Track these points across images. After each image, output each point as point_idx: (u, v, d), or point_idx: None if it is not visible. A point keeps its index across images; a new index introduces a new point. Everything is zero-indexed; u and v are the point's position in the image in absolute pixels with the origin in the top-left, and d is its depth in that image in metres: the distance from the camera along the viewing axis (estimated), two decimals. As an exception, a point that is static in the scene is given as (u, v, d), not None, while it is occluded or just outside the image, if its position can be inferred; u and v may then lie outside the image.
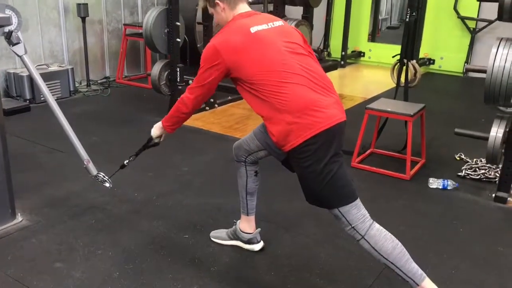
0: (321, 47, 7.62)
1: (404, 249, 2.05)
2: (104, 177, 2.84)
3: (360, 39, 8.04)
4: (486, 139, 3.20)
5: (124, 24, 6.36)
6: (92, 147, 3.64)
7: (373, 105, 3.79)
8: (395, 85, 4.22)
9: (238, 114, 5.09)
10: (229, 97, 5.43)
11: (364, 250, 2.09)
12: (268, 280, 2.41)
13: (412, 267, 2.04)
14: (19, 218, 2.85)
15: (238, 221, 2.64)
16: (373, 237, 2.04)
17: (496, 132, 3.17)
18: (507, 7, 2.86)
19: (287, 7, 4.99)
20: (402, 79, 4.16)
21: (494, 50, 2.95)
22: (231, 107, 5.37)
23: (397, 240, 2.07)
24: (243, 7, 2.21)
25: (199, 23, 5.31)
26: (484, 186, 3.50)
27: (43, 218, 2.90)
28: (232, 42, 2.08)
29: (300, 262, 2.55)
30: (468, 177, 3.62)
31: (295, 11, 5.90)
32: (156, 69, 4.88)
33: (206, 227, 2.81)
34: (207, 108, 5.17)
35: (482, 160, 3.71)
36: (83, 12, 5.66)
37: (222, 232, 2.71)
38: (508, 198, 3.24)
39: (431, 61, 7.39)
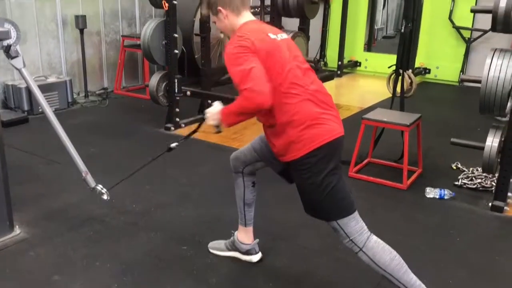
0: (318, 57, 7.67)
1: (402, 260, 2.07)
2: (102, 189, 2.85)
3: (356, 49, 8.09)
4: (482, 148, 3.23)
5: (122, 36, 6.40)
6: (90, 158, 3.65)
7: (369, 115, 3.82)
8: (391, 95, 4.26)
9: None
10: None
11: (362, 262, 2.10)
12: (266, 291, 2.42)
13: (410, 278, 2.05)
14: (17, 230, 2.86)
15: (236, 232, 2.65)
16: (371, 249, 2.06)
17: (492, 141, 3.19)
18: (500, 19, 2.89)
19: (283, 18, 5.04)
20: (398, 89, 4.19)
21: (488, 61, 2.99)
22: (228, 118, 5.38)
23: (394, 252, 2.08)
24: (248, 15, 2.21)
25: (196, 35, 5.34)
26: (480, 195, 3.52)
27: (41, 230, 2.91)
28: (255, 36, 2.04)
29: (298, 273, 2.56)
30: (464, 186, 3.64)
31: (291, 22, 5.94)
32: (154, 80, 4.91)
33: (204, 239, 2.81)
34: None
35: (479, 169, 3.73)
36: (81, 24, 5.69)
37: (221, 243, 2.72)
38: (505, 207, 3.26)
39: (426, 71, 7.44)
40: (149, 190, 3.51)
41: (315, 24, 6.94)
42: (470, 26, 7.00)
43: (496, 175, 3.36)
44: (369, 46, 8.56)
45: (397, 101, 4.16)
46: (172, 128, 4.84)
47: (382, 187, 3.64)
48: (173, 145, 2.50)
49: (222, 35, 5.94)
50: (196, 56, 5.98)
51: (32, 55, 5.51)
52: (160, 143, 2.98)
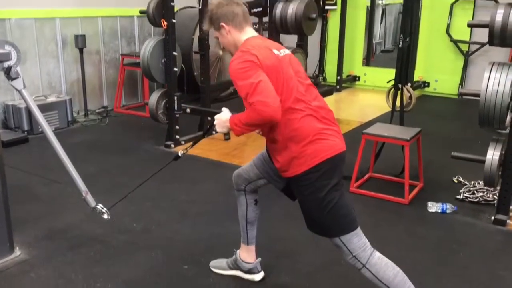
0: (316, 72, 7.70)
1: (405, 276, 2.05)
2: (103, 208, 2.84)
3: (354, 63, 8.13)
4: (483, 162, 3.22)
5: (122, 54, 6.43)
6: (91, 177, 3.64)
7: (369, 130, 3.82)
8: (390, 109, 4.27)
9: (235, 141, 5.10)
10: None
11: (366, 278, 2.08)
12: (269, 310, 2.39)
13: (413, 294, 2.03)
14: (17, 252, 2.84)
15: (238, 250, 2.63)
16: (375, 265, 2.04)
17: (492, 154, 3.19)
18: (497, 33, 2.91)
19: (282, 35, 5.07)
20: (398, 103, 4.20)
21: (486, 75, 3.00)
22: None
23: (398, 268, 2.07)
24: (251, 31, 2.23)
25: (195, 52, 5.37)
26: (483, 209, 3.50)
27: (42, 251, 2.89)
28: (260, 52, 2.05)
29: (301, 290, 2.54)
30: (466, 200, 3.63)
31: (290, 39, 5.98)
32: (153, 98, 4.92)
33: (205, 257, 2.79)
34: (205, 135, 5.18)
35: (480, 182, 3.72)
36: (80, 43, 5.73)
37: (222, 262, 2.70)
38: (508, 221, 3.24)
39: (426, 84, 7.46)
40: (149, 208, 3.49)
41: (314, 39, 6.99)
42: (467, 39, 7.04)
43: (498, 188, 3.34)
44: (368, 60, 8.59)
45: (397, 116, 4.16)
46: (172, 146, 4.85)
47: (384, 202, 3.62)
48: (181, 153, 2.47)
49: (221, 52, 5.97)
50: (195, 73, 6.00)
51: (32, 75, 5.53)
52: (161, 161, 2.97)
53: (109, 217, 2.83)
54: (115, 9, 6.32)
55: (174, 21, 4.63)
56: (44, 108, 5.14)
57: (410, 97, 4.33)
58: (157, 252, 2.89)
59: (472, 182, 3.84)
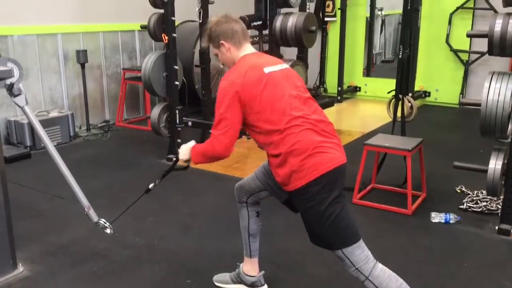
0: (317, 83, 7.73)
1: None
2: (105, 223, 2.83)
3: (355, 74, 8.15)
4: (485, 171, 3.21)
5: (123, 69, 6.46)
6: (93, 191, 3.63)
7: (371, 141, 3.82)
8: (392, 119, 4.27)
9: (237, 153, 5.11)
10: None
11: (370, 291, 2.07)
12: (273, 324, 2.38)
13: (418, 306, 2.02)
14: (20, 268, 2.83)
15: (241, 264, 2.62)
16: (378, 277, 2.03)
17: (495, 164, 3.18)
18: (496, 42, 2.92)
19: (282, 47, 5.10)
20: (399, 113, 4.20)
21: (487, 84, 3.00)
22: (230, 147, 5.39)
23: (401, 279, 2.06)
24: (249, 47, 2.26)
25: (196, 66, 5.40)
26: (486, 219, 3.49)
27: (45, 267, 2.88)
28: (248, 77, 2.09)
29: (305, 304, 2.52)
30: (470, 209, 3.61)
31: (290, 51, 6.01)
32: (155, 112, 4.94)
33: (208, 271, 2.78)
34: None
35: (483, 192, 3.71)
36: (82, 58, 5.77)
37: (226, 275, 2.69)
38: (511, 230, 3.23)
39: (426, 94, 7.47)
40: (151, 222, 3.49)
41: (314, 51, 7.02)
42: (467, 49, 7.06)
43: (501, 198, 3.33)
44: (368, 71, 8.62)
45: (398, 126, 4.17)
46: (174, 159, 4.83)
47: (387, 213, 3.61)
48: (151, 186, 2.55)
49: (222, 65, 6.00)
50: (196, 87, 6.03)
51: (34, 90, 5.56)
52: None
53: (112, 232, 2.82)
54: (116, 24, 6.36)
55: (175, 35, 4.67)
56: (46, 123, 5.16)
57: (411, 107, 4.34)
58: (160, 266, 2.88)
59: (475, 192, 3.83)
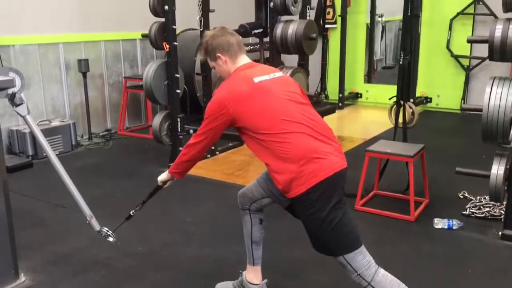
0: (318, 90, 7.73)
1: (412, 294, 2.03)
2: (108, 231, 2.82)
3: (356, 80, 8.16)
4: (488, 177, 3.20)
5: (125, 77, 6.48)
6: (95, 200, 3.62)
7: (373, 147, 3.82)
8: (393, 126, 4.27)
9: (239, 161, 5.11)
10: (230, 144, 5.47)
11: (372, 297, 2.06)
12: (277, 333, 2.36)
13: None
14: (22, 278, 2.82)
15: (244, 272, 2.61)
16: (379, 283, 2.03)
17: (497, 169, 3.17)
18: (497, 48, 2.93)
19: (283, 54, 5.11)
20: (400, 119, 4.20)
21: (488, 90, 3.00)
22: (232, 154, 5.40)
23: (403, 285, 2.06)
24: (244, 59, 2.30)
25: (198, 74, 5.42)
26: (490, 224, 3.47)
27: (47, 277, 2.87)
28: (237, 93, 2.13)
29: (308, 311, 2.51)
30: (473, 215, 3.60)
31: (291, 58, 6.02)
32: (157, 120, 4.94)
33: (211, 279, 2.77)
34: (208, 156, 5.20)
35: (486, 197, 3.70)
36: (83, 67, 5.78)
37: (228, 284, 2.68)
38: (515, 236, 3.22)
39: (428, 99, 7.47)
40: (154, 230, 3.48)
41: (315, 57, 7.03)
42: (468, 54, 7.07)
43: (504, 203, 3.32)
44: (369, 77, 8.64)
45: (400, 132, 4.16)
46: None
47: (390, 219, 3.60)
48: (132, 212, 2.67)
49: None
50: (198, 95, 6.04)
51: (36, 100, 5.58)
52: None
53: (114, 240, 2.82)
54: (117, 33, 6.39)
55: (176, 43, 4.68)
56: (48, 132, 5.18)
57: (413, 113, 4.34)
58: (163, 275, 2.87)
59: (478, 197, 3.82)
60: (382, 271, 2.07)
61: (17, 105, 2.65)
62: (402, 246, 3.23)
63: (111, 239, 2.82)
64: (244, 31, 4.56)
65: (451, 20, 7.10)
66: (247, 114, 2.11)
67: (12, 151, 5.30)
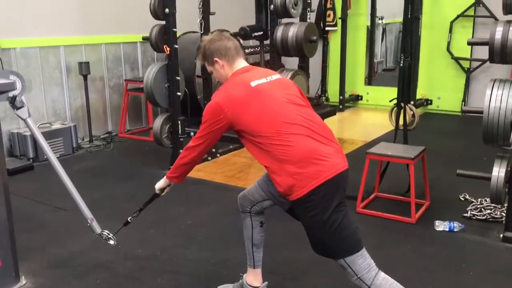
0: (319, 92, 7.73)
1: (413, 298, 2.03)
2: (109, 234, 2.81)
3: (357, 83, 8.17)
4: (489, 179, 3.20)
5: (125, 80, 6.49)
6: (96, 203, 3.62)
7: (373, 149, 3.82)
8: (394, 128, 4.27)
9: (240, 163, 5.11)
10: (231, 146, 5.48)
11: (373, 300, 2.06)
12: (277, 335, 2.36)
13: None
14: (23, 281, 2.82)
15: (245, 274, 2.61)
16: (379, 286, 2.03)
17: (498, 171, 3.17)
18: (497, 50, 2.92)
19: (283, 57, 5.11)
20: (401, 122, 4.20)
21: (488, 92, 3.00)
22: (232, 156, 5.40)
23: (404, 288, 2.05)
24: (241, 63, 2.30)
25: (198, 76, 5.42)
26: (491, 227, 3.47)
27: (47, 280, 2.87)
28: (234, 97, 2.14)
29: (309, 314, 2.51)
30: (474, 217, 3.60)
31: (291, 60, 6.03)
32: (157, 123, 4.95)
33: (212, 282, 2.77)
34: (209, 158, 5.20)
35: (487, 199, 3.69)
36: (84, 70, 5.79)
37: (229, 286, 2.68)
38: (516, 238, 3.21)
39: (428, 102, 7.47)
40: (154, 233, 3.48)
41: (315, 60, 7.04)
42: (468, 56, 7.07)
43: (505, 205, 3.32)
44: (370, 79, 8.64)
45: (401, 134, 4.16)
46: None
47: (391, 221, 3.60)
48: (130, 218, 2.66)
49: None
50: (198, 97, 6.04)
51: (37, 103, 5.58)
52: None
53: (115, 243, 2.81)
54: (118, 36, 6.40)
55: (176, 46, 4.69)
56: (49, 135, 5.18)
57: (413, 115, 4.34)
58: (163, 278, 2.87)
59: (479, 200, 3.82)
60: (382, 274, 2.07)
61: (18, 108, 2.65)
62: (403, 248, 3.22)
63: (112, 242, 2.81)
64: (244, 33, 4.56)
65: (452, 22, 7.10)
66: (245, 118, 2.11)
67: (13, 154, 5.31)
